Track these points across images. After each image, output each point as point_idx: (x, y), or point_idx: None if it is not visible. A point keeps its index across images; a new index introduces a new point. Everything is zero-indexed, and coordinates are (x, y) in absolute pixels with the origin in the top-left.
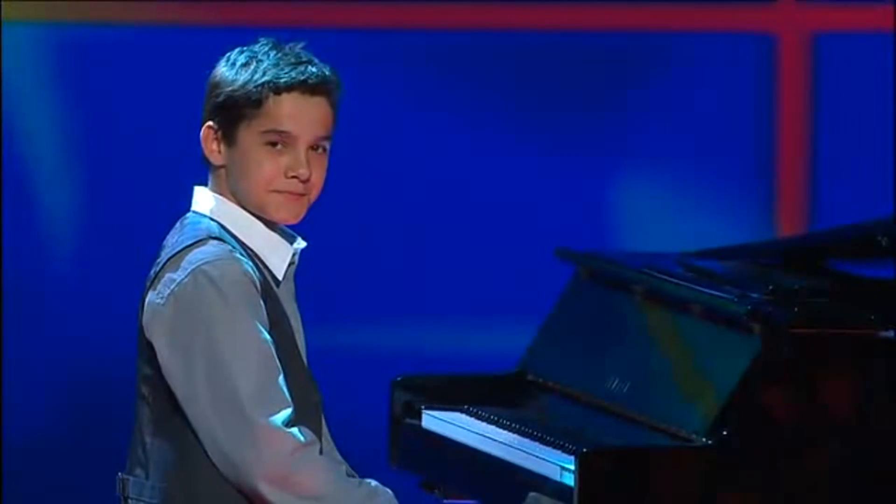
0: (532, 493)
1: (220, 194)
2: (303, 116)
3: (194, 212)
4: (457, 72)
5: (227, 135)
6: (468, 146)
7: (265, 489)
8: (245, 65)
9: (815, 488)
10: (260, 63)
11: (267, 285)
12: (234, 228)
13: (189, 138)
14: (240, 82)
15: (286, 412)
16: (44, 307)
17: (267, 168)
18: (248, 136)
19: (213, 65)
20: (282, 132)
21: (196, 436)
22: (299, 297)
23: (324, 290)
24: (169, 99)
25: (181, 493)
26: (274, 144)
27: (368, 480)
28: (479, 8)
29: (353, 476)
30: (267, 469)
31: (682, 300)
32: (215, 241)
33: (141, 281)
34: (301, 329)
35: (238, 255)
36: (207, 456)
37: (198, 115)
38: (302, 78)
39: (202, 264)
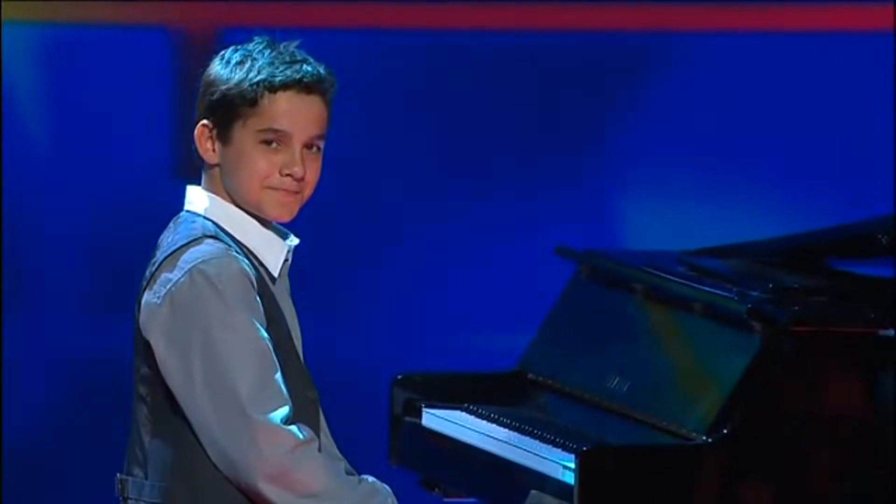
0: (533, 491)
1: (215, 193)
2: (298, 115)
3: (188, 211)
4: (457, 71)
5: (222, 133)
6: (468, 145)
7: (264, 487)
8: (240, 63)
9: (816, 486)
10: (255, 62)
11: (263, 283)
12: (229, 226)
13: (188, 137)
14: (235, 81)
15: (284, 409)
16: (44, 306)
17: (262, 166)
18: (243, 134)
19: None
20: (277, 131)
21: (195, 434)
22: (297, 294)
23: (324, 286)
24: (168, 98)
25: (181, 492)
26: (269, 143)
27: (366, 477)
28: (480, 8)
29: (353, 473)
30: (266, 467)
31: (683, 298)
32: (211, 240)
33: (138, 280)
34: (297, 325)
35: (234, 254)
36: (207, 454)
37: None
38: (297, 77)
39: (198, 263)
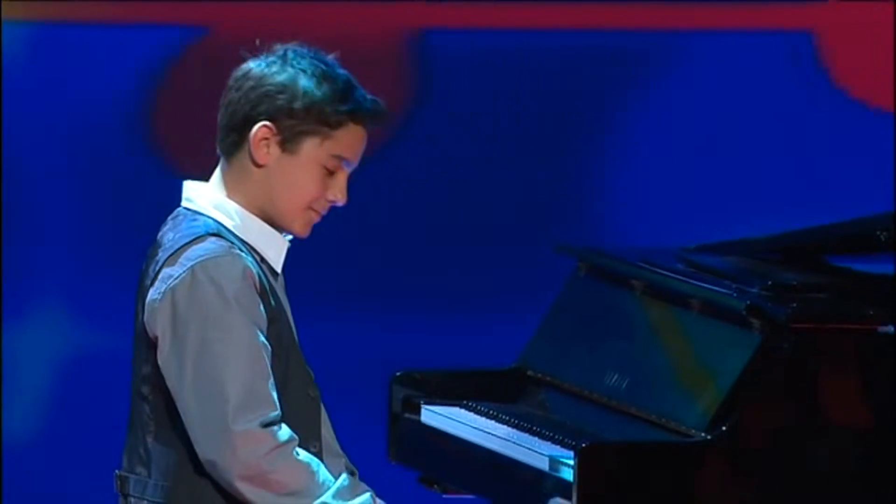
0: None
1: (225, 186)
2: (360, 148)
3: (187, 208)
4: (456, 68)
5: (289, 142)
6: (468, 142)
7: (241, 486)
8: (324, 78)
9: (814, 483)
10: (336, 81)
11: (266, 280)
12: (230, 223)
13: (188, 135)
14: (321, 98)
15: (269, 415)
16: (44, 306)
17: (316, 188)
18: (315, 152)
19: (217, 62)
20: (344, 159)
21: None
22: (296, 290)
23: (323, 283)
24: (169, 96)
25: (186, 492)
26: (330, 167)
27: (345, 476)
28: (480, 7)
29: (353, 470)
30: (242, 468)
31: (682, 295)
32: (214, 238)
33: (137, 278)
34: (293, 323)
35: (237, 251)
36: None
37: (195, 112)
38: (379, 113)
39: (201, 260)
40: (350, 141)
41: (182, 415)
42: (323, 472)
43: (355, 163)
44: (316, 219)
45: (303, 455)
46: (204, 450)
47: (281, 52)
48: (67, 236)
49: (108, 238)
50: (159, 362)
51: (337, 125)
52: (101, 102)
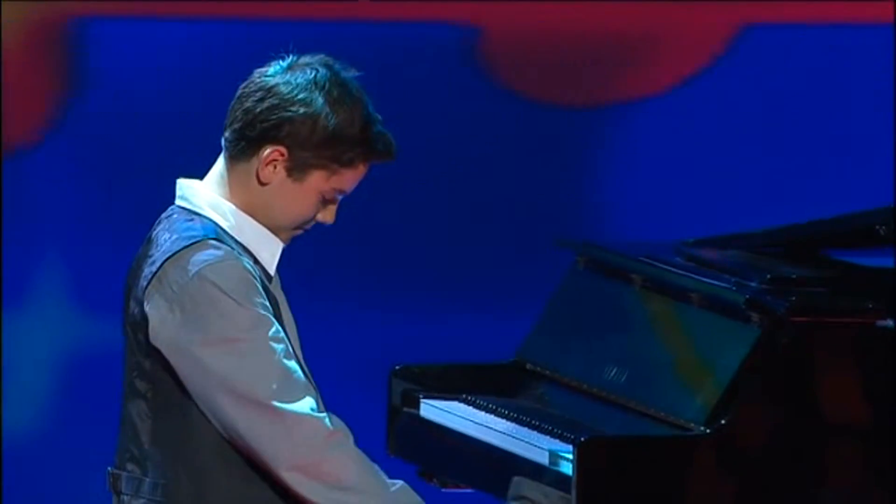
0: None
1: (223, 186)
2: (359, 181)
3: (182, 207)
4: (454, 65)
5: (297, 170)
6: (467, 136)
7: (290, 476)
8: (348, 114)
9: (813, 477)
10: (358, 118)
11: (263, 282)
12: (226, 225)
13: (186, 134)
14: (340, 137)
15: (311, 399)
16: (44, 305)
17: (310, 213)
18: (319, 184)
19: (223, 60)
20: (343, 192)
21: (200, 432)
22: (295, 283)
23: (322, 279)
24: (169, 94)
25: (186, 490)
26: (328, 198)
27: (402, 483)
28: (479, 4)
29: None
30: (296, 456)
31: (681, 289)
32: (214, 242)
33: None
34: (293, 321)
35: (238, 255)
36: (212, 453)
37: (198, 109)
38: (390, 154)
39: (205, 266)
40: (355, 178)
41: (216, 418)
42: (377, 473)
43: (349, 193)
44: (300, 233)
45: (356, 450)
46: (252, 448)
47: (311, 75)
48: (68, 235)
49: (109, 237)
50: (177, 370)
51: (348, 164)
52: (102, 99)
